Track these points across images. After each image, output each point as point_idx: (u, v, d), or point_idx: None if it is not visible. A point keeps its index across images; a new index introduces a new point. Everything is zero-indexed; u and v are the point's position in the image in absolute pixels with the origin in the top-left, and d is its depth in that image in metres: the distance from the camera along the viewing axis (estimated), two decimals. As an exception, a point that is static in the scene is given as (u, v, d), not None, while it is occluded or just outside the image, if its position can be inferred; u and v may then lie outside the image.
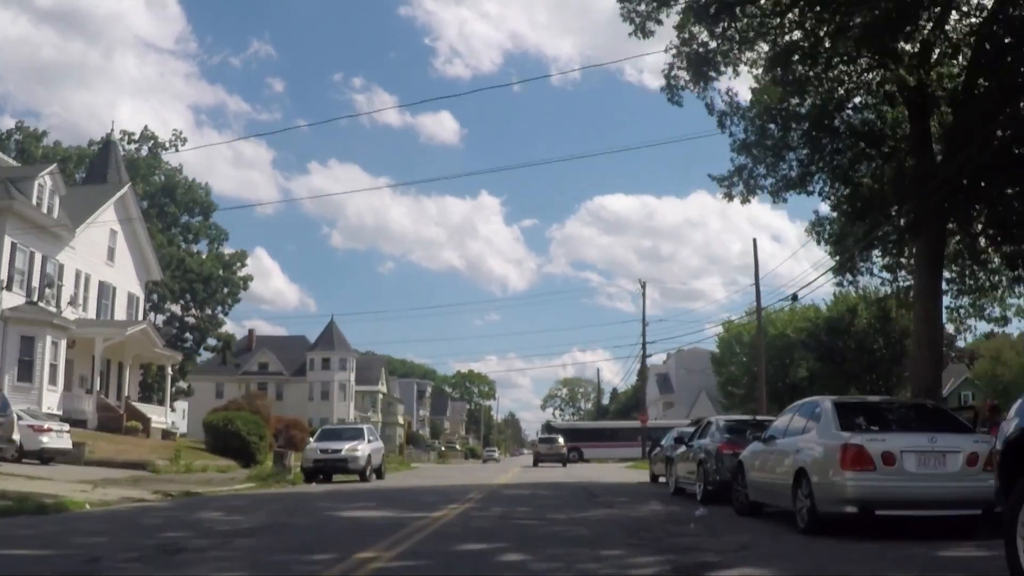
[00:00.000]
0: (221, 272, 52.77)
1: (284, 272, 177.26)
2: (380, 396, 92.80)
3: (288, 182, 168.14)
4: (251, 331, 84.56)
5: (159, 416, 39.05)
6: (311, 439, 27.16)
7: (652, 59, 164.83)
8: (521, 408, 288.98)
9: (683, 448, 16.35)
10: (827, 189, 26.86)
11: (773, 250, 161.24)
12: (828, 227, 28.27)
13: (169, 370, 41.32)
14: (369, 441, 26.37)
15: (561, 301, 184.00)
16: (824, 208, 27.47)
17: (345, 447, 25.19)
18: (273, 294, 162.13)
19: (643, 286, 50.34)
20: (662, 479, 22.78)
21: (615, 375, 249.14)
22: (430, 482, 24.64)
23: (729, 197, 26.77)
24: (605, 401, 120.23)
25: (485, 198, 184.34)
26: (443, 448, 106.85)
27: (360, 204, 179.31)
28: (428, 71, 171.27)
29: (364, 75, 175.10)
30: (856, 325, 52.36)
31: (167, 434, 37.16)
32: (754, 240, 34.68)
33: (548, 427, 68.79)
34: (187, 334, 53.91)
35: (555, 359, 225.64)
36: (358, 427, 27.71)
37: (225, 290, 53.23)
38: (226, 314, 53.54)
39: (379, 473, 27.54)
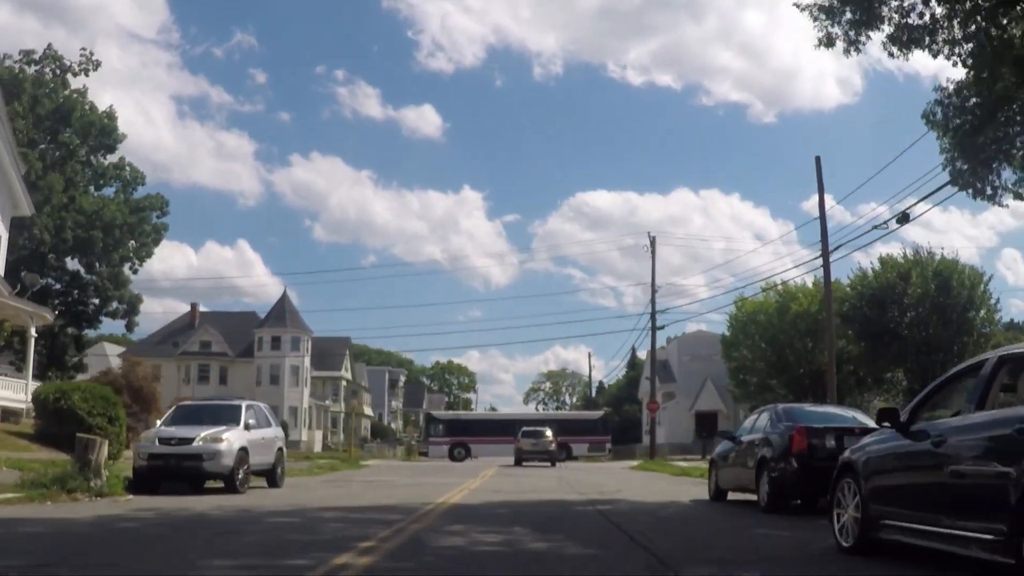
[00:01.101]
0: (131, 220, 42.35)
1: (266, 265, 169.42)
2: (343, 383, 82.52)
3: (270, 174, 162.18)
4: (194, 306, 73.94)
5: (10, 392, 28.95)
6: (158, 422, 17.04)
7: (635, 55, 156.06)
8: (504, 403, 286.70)
9: (891, 441, 6.26)
10: (966, 48, 17.33)
11: (754, 247, 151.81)
12: (955, 113, 18.57)
13: (33, 332, 31.04)
14: (248, 426, 16.31)
15: (543, 297, 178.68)
16: (947, 82, 16.53)
17: (201, 435, 15.14)
18: (255, 287, 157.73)
19: (652, 241, 40.50)
20: (736, 496, 12.95)
21: (597, 371, 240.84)
22: (337, 499, 14.54)
23: (827, 42, 17.17)
24: (598, 393, 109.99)
25: (468, 192, 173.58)
26: (413, 442, 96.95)
27: (343, 197, 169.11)
28: (411, 64, 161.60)
29: (347, 67, 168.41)
30: (911, 294, 42.81)
31: (9, 414, 27.07)
32: (817, 159, 27.73)
33: (430, 418, 56.90)
34: (91, 297, 43.52)
35: (537, 355, 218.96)
36: (232, 404, 17.39)
37: (134, 243, 42.89)
38: (135, 272, 43.14)
39: (272, 478, 17.53)
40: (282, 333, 67.54)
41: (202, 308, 74.87)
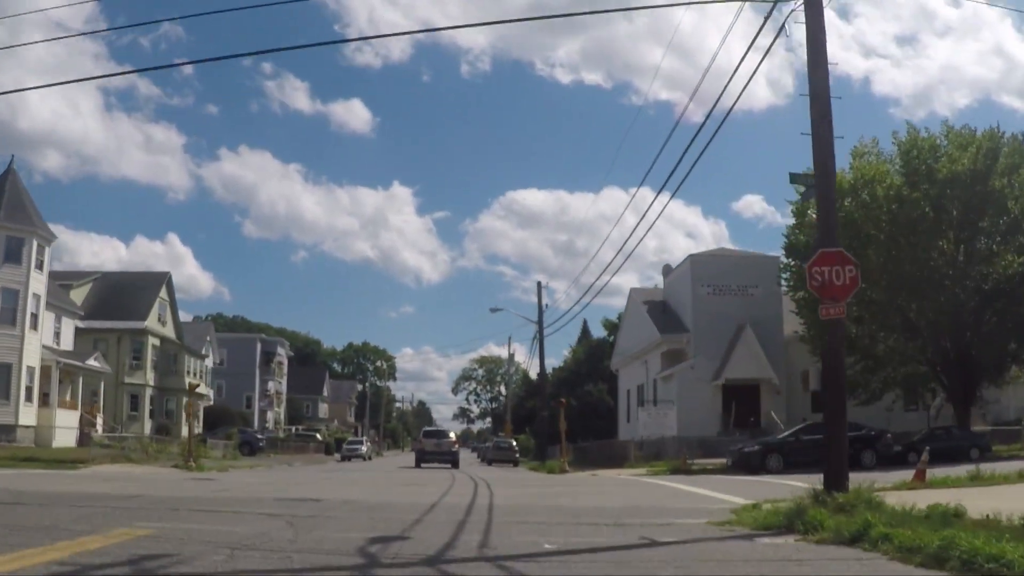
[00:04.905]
0: None
1: (196, 259, 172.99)
2: (151, 343, 52.52)
3: (199, 168, 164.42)
4: None
5: None
6: None
7: (563, 52, 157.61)
8: (437, 402, 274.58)
9: None
10: None
11: (688, 246, 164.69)
12: None
13: None
14: None
15: (475, 295, 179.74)
16: None
17: None
18: (186, 281, 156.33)
19: None
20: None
21: (529, 365, 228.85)
22: None
23: None
24: (540, 376, 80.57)
25: (397, 188, 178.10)
26: (280, 436, 67.68)
27: (272, 192, 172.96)
28: (338, 58, 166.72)
29: (274, 60, 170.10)
30: None
31: None
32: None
33: None
34: None
35: (471, 352, 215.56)
36: None
37: None
38: None
39: None
40: (-12, 231, 37.51)
41: None
